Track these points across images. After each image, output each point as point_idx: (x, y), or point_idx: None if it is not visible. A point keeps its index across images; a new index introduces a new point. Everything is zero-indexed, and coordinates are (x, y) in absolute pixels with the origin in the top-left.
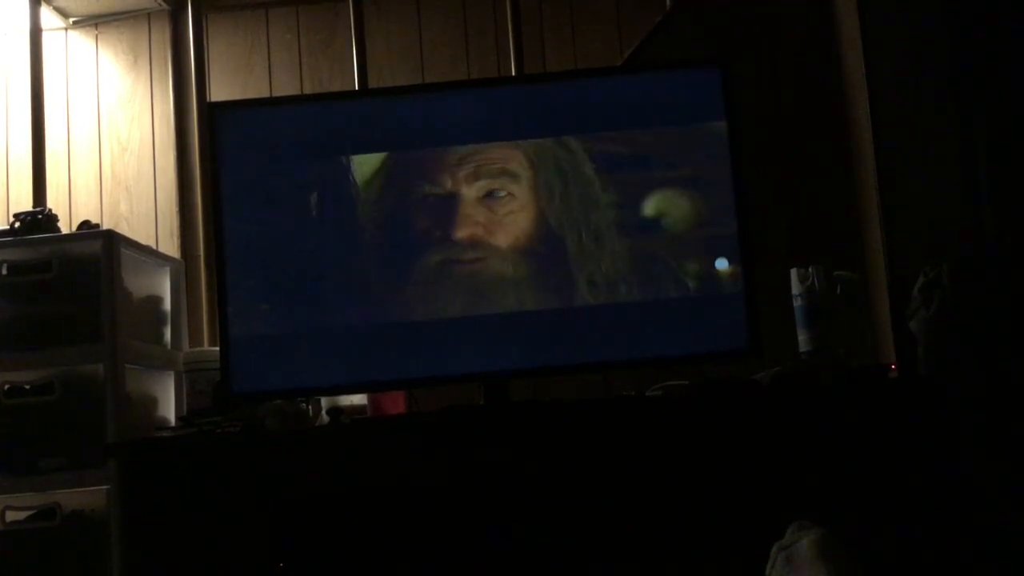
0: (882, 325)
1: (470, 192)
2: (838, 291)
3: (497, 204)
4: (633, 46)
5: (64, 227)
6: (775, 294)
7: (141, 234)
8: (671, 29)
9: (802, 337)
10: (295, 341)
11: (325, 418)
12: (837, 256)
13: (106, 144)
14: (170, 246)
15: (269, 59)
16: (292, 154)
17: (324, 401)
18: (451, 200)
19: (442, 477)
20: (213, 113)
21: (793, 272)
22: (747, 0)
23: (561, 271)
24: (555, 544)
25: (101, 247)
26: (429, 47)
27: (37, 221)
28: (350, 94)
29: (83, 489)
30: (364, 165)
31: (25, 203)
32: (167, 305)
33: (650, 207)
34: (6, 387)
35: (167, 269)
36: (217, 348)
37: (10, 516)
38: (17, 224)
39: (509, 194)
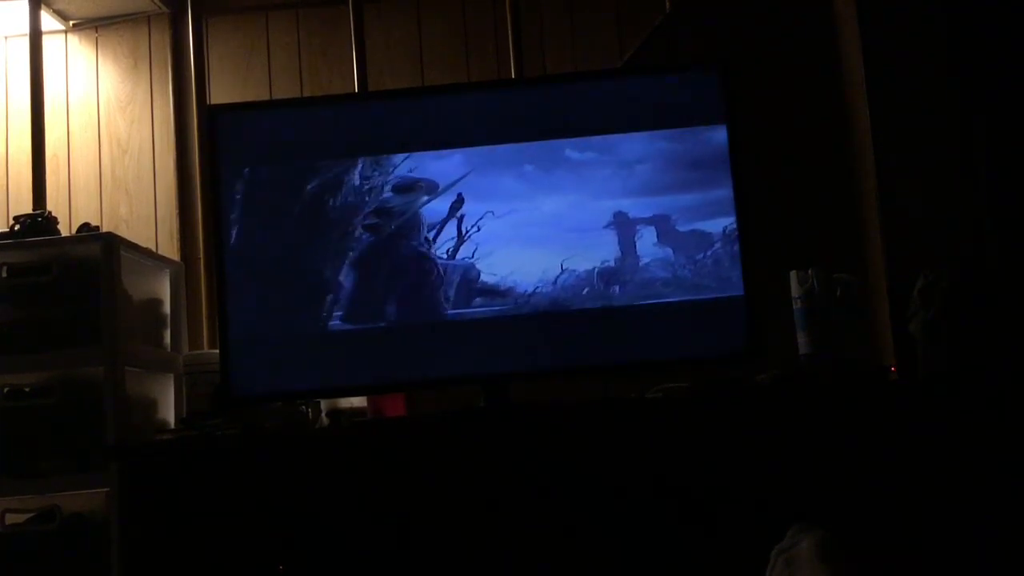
0: (882, 327)
1: (470, 190)
2: (838, 293)
3: (497, 201)
4: (633, 48)
5: (64, 230)
6: (775, 296)
7: (141, 236)
8: (671, 31)
9: (802, 339)
10: (295, 343)
11: (325, 421)
12: (837, 258)
13: (106, 147)
14: (170, 248)
15: (269, 62)
16: (292, 156)
17: (324, 404)
18: (451, 199)
19: (442, 479)
20: (213, 116)
21: (793, 274)
22: (747, 1)
23: (562, 267)
24: (556, 546)
25: (101, 250)
26: (429, 50)
27: (37, 224)
28: (350, 96)
29: (83, 492)
30: (364, 167)
31: (25, 206)
32: (167, 308)
33: (650, 209)
34: (6, 389)
35: (167, 272)
36: (217, 350)
37: (10, 518)
38: (17, 227)
39: (508, 191)
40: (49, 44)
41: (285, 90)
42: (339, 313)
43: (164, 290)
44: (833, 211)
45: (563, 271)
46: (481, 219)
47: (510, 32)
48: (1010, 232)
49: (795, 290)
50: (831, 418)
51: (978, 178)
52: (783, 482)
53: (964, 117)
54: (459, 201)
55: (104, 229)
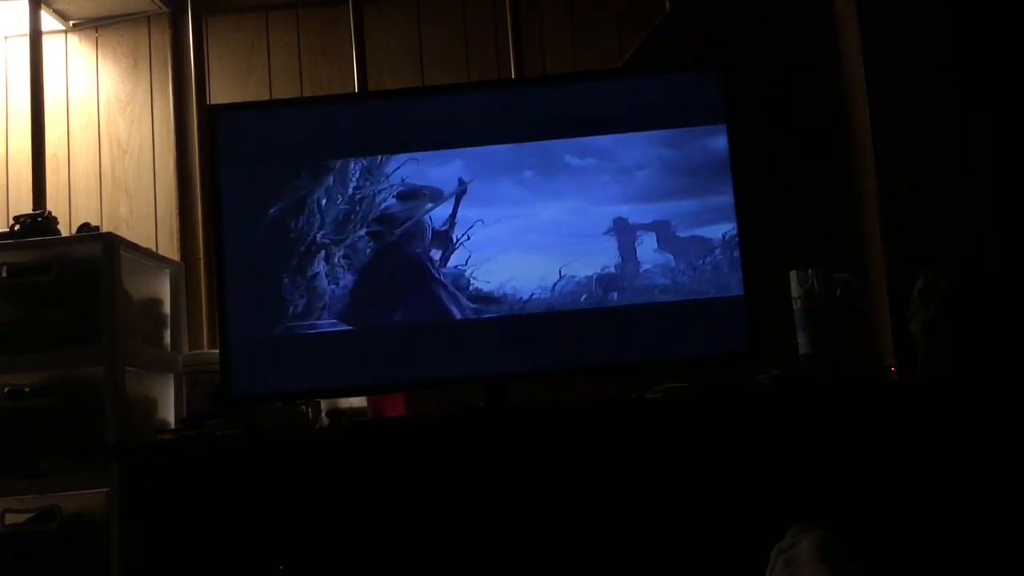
0: (882, 327)
1: (470, 194)
2: (837, 293)
3: (497, 206)
4: (633, 48)
5: (64, 229)
6: (775, 297)
7: (141, 236)
8: (671, 31)
9: (801, 340)
10: (295, 343)
11: (325, 421)
12: (837, 258)
13: (106, 146)
14: (170, 248)
15: (269, 62)
16: (292, 156)
17: (324, 404)
18: (451, 203)
19: (442, 479)
20: (213, 116)
21: (793, 274)
22: (747, 1)
23: (560, 273)
24: (556, 546)
25: (101, 250)
26: (429, 49)
27: (37, 224)
28: (350, 97)
29: (83, 492)
30: (365, 167)
31: (25, 205)
32: (167, 307)
33: (649, 210)
34: (6, 389)
35: (167, 271)
36: (217, 350)
37: (10, 518)
38: (17, 227)
39: (508, 197)
40: (49, 44)
41: (285, 90)
42: (339, 313)
43: (164, 290)
44: (833, 211)
45: (561, 277)
46: (481, 224)
47: (510, 32)
48: (1010, 232)
49: (795, 290)
50: (831, 418)
51: (978, 178)
52: (783, 482)
53: (964, 117)
54: (460, 205)
55: (104, 229)
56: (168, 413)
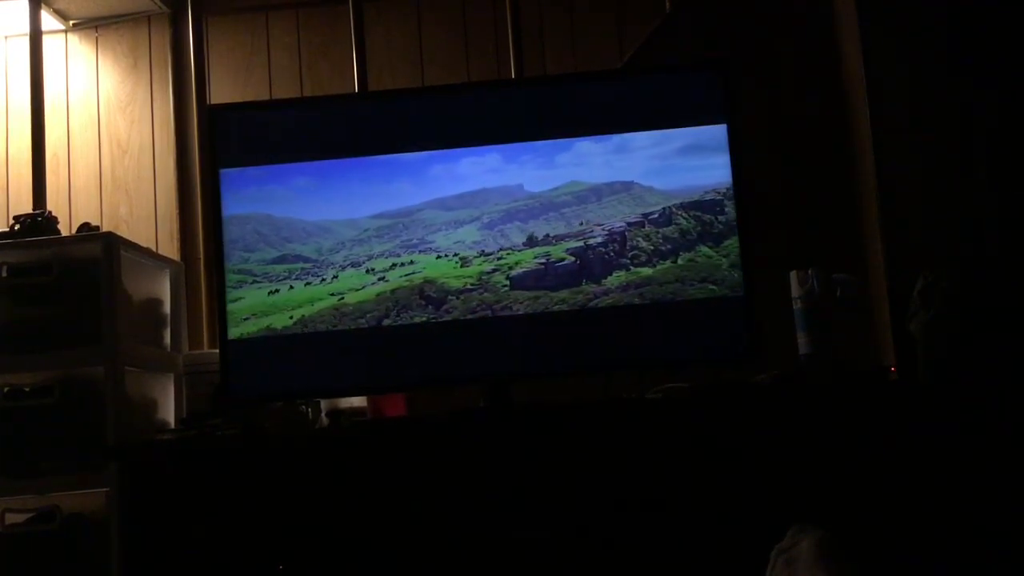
0: (882, 328)
1: (471, 193)
2: (837, 294)
3: (497, 206)
4: (633, 48)
5: (64, 229)
6: (775, 297)
7: (141, 236)
8: (671, 31)
9: (801, 340)
10: (295, 343)
11: (325, 421)
12: (837, 259)
13: (106, 146)
14: (170, 248)
15: (269, 61)
16: (291, 156)
17: (324, 404)
18: (451, 202)
19: (442, 479)
20: (213, 115)
21: (792, 275)
22: (747, 1)
23: (561, 274)
24: (556, 546)
25: (101, 250)
26: (429, 50)
27: (37, 223)
28: (350, 96)
29: (83, 491)
30: (363, 167)
31: (25, 205)
32: (167, 307)
33: (649, 209)
34: (6, 389)
35: (167, 271)
36: (217, 350)
37: (10, 518)
38: (17, 226)
39: (509, 195)
40: (49, 44)
41: (285, 90)
42: (340, 312)
43: (164, 290)
44: (833, 211)
45: (563, 272)
46: (483, 216)
47: (510, 32)
48: (1010, 232)
49: (795, 290)
50: (831, 418)
51: (978, 178)
52: (783, 482)
53: (964, 117)
54: (462, 200)
55: (104, 229)
56: (168, 413)
